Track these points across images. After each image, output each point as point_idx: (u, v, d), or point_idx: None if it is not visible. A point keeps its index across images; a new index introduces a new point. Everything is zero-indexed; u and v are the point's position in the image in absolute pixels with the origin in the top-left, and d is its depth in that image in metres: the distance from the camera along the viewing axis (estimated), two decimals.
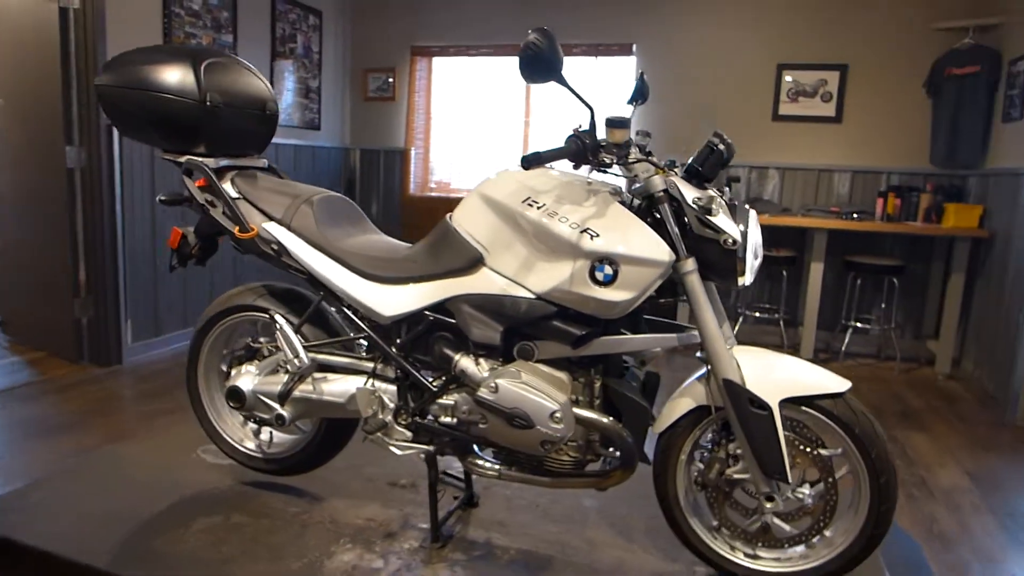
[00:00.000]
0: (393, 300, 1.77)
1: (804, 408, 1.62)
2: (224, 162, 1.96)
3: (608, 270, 1.55)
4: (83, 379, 3.37)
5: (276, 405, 1.88)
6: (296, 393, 1.87)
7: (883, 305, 4.39)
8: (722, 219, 1.58)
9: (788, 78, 4.45)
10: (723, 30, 4.52)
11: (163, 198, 1.96)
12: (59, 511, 1.95)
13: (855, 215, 4.17)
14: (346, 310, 1.87)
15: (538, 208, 1.62)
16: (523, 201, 1.64)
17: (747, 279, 1.62)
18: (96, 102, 1.89)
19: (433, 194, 5.28)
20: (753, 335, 4.64)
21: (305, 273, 1.86)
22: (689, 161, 1.65)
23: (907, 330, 4.45)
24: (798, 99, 4.45)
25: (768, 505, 1.64)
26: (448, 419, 1.78)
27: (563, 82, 1.55)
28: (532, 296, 1.63)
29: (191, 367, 2.10)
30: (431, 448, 1.79)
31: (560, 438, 1.57)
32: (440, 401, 1.77)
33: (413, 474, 2.27)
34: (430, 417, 1.80)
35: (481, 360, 1.68)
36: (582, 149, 1.57)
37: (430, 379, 1.79)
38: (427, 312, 1.76)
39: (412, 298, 1.76)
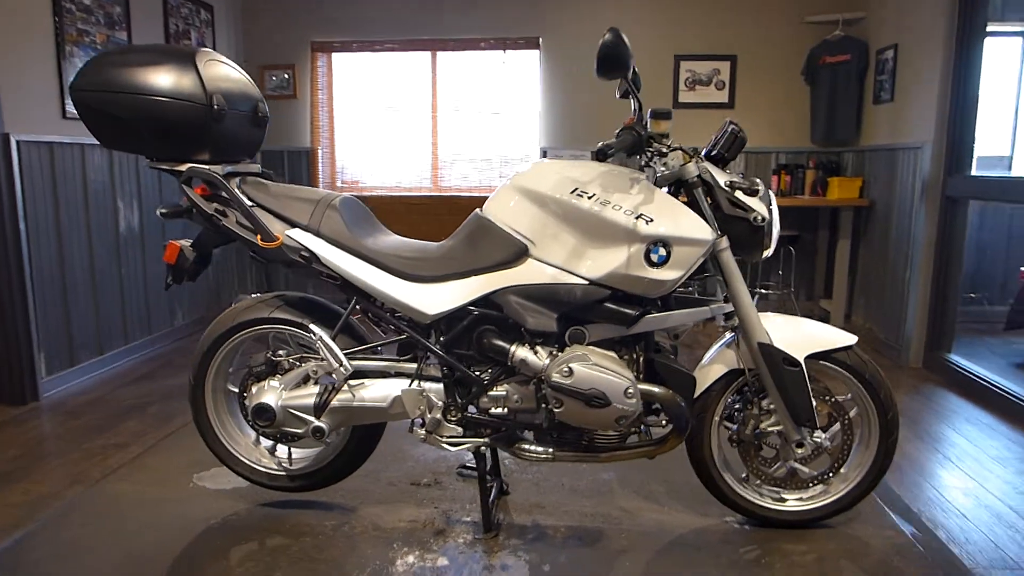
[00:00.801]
0: (436, 298, 1.77)
1: (822, 361, 1.82)
2: (228, 168, 1.85)
3: (662, 252, 1.66)
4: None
5: (311, 418, 1.82)
6: (334, 403, 1.82)
7: (780, 271, 4.86)
8: (752, 199, 1.74)
9: (685, 68, 4.78)
10: (624, 24, 4.77)
11: (164, 211, 1.81)
12: (70, 562, 1.76)
13: None
14: (378, 313, 1.84)
15: (589, 198, 1.69)
16: (572, 192, 1.71)
17: (769, 252, 1.79)
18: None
19: (345, 194, 5.13)
20: None
21: (337, 279, 1.81)
22: (715, 148, 1.79)
23: (803, 292, 4.96)
24: (695, 87, 4.80)
25: (799, 451, 1.83)
26: (499, 410, 1.81)
27: (627, 78, 1.64)
28: (585, 282, 1.71)
29: (197, 390, 1.96)
30: (486, 440, 1.82)
31: (633, 412, 1.66)
32: (490, 393, 1.80)
33: (430, 472, 2.27)
34: (479, 410, 1.82)
35: (538, 348, 1.73)
36: (639, 140, 1.66)
37: (477, 373, 1.81)
38: (471, 307, 1.78)
39: (455, 295, 1.78)
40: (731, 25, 4.70)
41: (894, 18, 4.06)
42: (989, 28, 3.46)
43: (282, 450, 2.04)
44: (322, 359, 1.84)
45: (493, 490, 2.07)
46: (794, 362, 1.76)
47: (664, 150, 1.76)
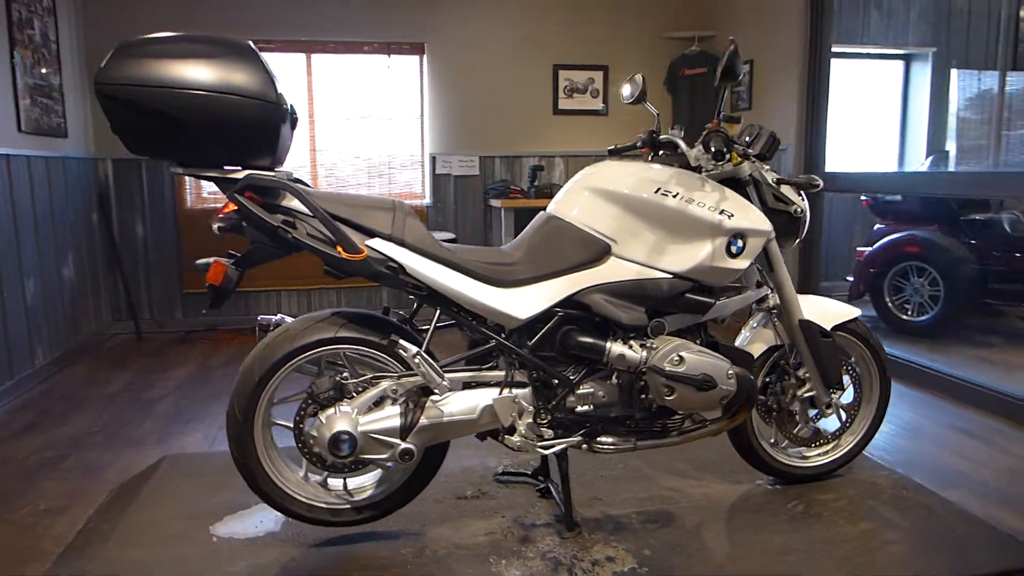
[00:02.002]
0: (525, 302, 1.76)
1: (839, 331, 2.10)
2: (284, 174, 1.67)
3: (740, 243, 1.81)
4: None
5: (396, 440, 1.71)
6: (423, 421, 1.72)
7: None
8: (793, 194, 1.96)
9: (564, 77, 5.04)
10: (506, 33, 4.90)
11: (221, 225, 1.59)
12: None
13: None
14: (464, 322, 1.77)
15: (674, 197, 1.79)
16: (656, 192, 1.79)
17: (800, 239, 2.03)
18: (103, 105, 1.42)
19: (220, 205, 4.66)
20: None
21: (424, 289, 1.71)
22: (757, 149, 1.98)
23: None
24: (573, 95, 5.08)
25: (828, 411, 2.10)
26: (585, 407, 1.84)
27: (730, 86, 1.76)
28: (670, 276, 1.81)
29: (245, 428, 1.73)
30: (579, 439, 1.83)
31: (732, 392, 1.79)
32: (578, 392, 1.83)
33: (469, 484, 2.21)
34: (566, 410, 1.84)
35: (631, 342, 1.79)
36: (729, 141, 1.79)
37: (564, 373, 1.82)
38: (556, 308, 1.79)
39: (542, 297, 1.78)
40: (603, 37, 5.05)
41: (748, 37, 4.65)
42: (835, 49, 4.13)
43: (333, 482, 1.87)
44: (398, 377, 1.74)
45: (550, 490, 2.09)
46: (827, 334, 2.02)
47: (748, 151, 1.91)
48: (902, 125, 5.91)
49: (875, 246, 4.71)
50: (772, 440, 2.16)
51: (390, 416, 1.72)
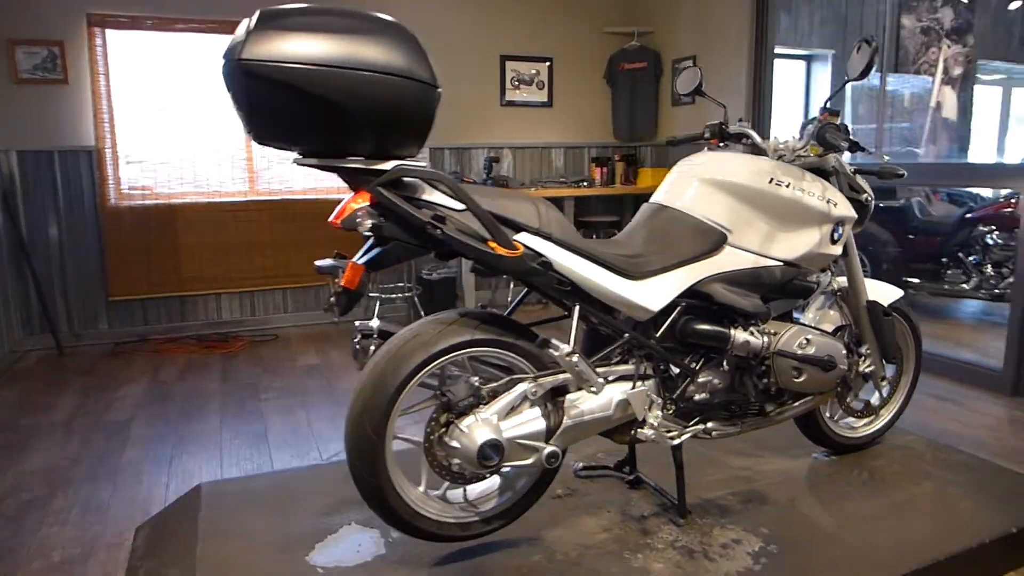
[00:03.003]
0: (655, 293, 1.75)
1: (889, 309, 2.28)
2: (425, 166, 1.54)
3: (840, 230, 1.91)
4: None
5: (542, 444, 1.64)
6: (565, 422, 1.67)
7: None
8: (864, 183, 2.09)
9: (511, 68, 5.01)
10: (455, 20, 4.79)
11: (373, 222, 1.43)
12: None
13: (583, 183, 5.05)
14: (601, 317, 1.73)
15: (787, 187, 1.85)
16: (770, 182, 1.84)
17: (864, 224, 2.17)
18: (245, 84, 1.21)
19: (149, 202, 4.17)
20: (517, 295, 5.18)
21: (568, 285, 1.65)
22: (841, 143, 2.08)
23: None
24: (520, 87, 5.06)
25: (884, 384, 2.26)
26: (702, 396, 1.87)
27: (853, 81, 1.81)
28: (781, 263, 1.87)
29: (376, 447, 1.58)
30: (704, 427, 1.85)
31: (846, 370, 1.88)
32: (698, 381, 1.85)
33: (555, 483, 2.15)
34: (685, 399, 1.85)
35: (752, 328, 1.83)
36: (845, 131, 1.86)
37: (685, 363, 1.83)
38: (679, 299, 1.79)
39: (669, 288, 1.78)
40: (547, 29, 5.07)
41: (690, 34, 4.87)
42: (778, 51, 4.42)
43: (455, 493, 1.76)
44: (535, 377, 1.67)
45: (640, 480, 2.09)
46: (888, 312, 2.18)
47: (843, 144, 1.99)
48: (804, 119, 6.48)
49: None
50: (828, 414, 2.30)
51: (533, 419, 1.65)
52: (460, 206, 1.55)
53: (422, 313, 4.50)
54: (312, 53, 1.31)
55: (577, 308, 1.70)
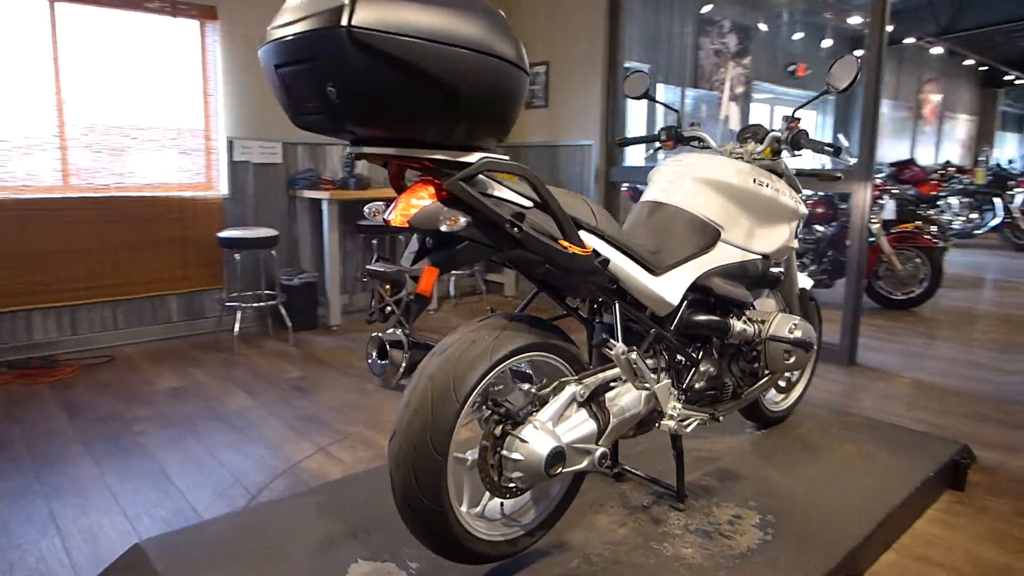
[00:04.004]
0: (673, 287, 1.82)
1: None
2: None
3: (800, 225, 2.12)
4: None
5: (594, 446, 1.62)
6: (612, 421, 1.66)
7: None
8: (798, 183, 2.34)
9: None
10: None
11: (451, 219, 1.29)
12: None
13: None
14: (634, 314, 1.72)
15: (766, 187, 2.01)
16: (754, 182, 1.99)
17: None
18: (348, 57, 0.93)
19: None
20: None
21: (614, 283, 1.63)
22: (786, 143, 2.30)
23: (481, 269, 5.62)
24: None
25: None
26: (702, 384, 1.97)
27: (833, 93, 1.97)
28: (760, 256, 2.03)
29: (443, 466, 1.43)
30: (711, 413, 1.94)
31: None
32: (700, 370, 1.94)
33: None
34: (688, 389, 1.93)
35: (744, 317, 1.96)
36: (809, 139, 2.04)
37: (691, 353, 1.91)
38: (686, 293, 1.87)
39: (682, 282, 1.85)
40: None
41: (542, 41, 5.03)
42: (626, 64, 4.75)
43: (493, 508, 1.66)
44: (580, 379, 1.63)
45: (623, 473, 2.14)
46: (813, 298, 2.47)
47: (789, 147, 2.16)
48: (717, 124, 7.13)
49: None
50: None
51: (584, 422, 1.61)
52: (527, 203, 1.46)
53: (288, 323, 4.12)
54: (428, 26, 1.16)
55: (617, 305, 1.70)
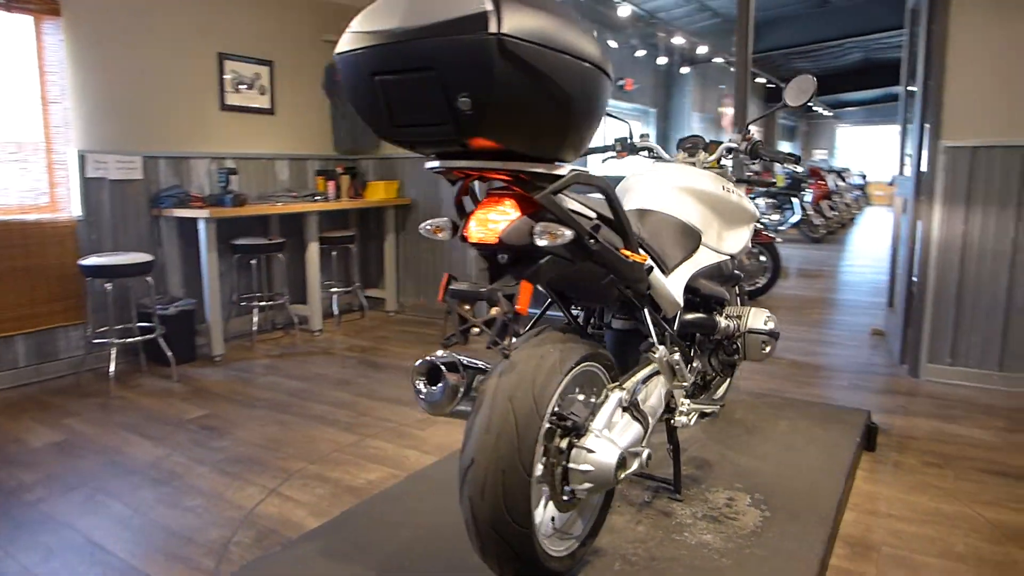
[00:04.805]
0: (679, 288, 1.91)
1: None
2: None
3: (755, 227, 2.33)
4: None
5: (643, 447, 1.67)
6: (650, 421, 1.72)
7: (339, 268, 5.15)
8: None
9: (230, 68, 4.37)
10: (162, 8, 3.98)
11: (568, 234, 1.27)
12: None
13: (317, 197, 4.72)
14: (656, 317, 1.78)
15: (733, 193, 2.18)
16: (723, 189, 2.15)
17: None
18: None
19: None
20: (269, 317, 4.52)
21: (649, 287, 1.68)
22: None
23: (354, 283, 5.37)
24: (239, 89, 4.46)
25: None
26: (693, 379, 2.09)
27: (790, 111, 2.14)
28: (729, 257, 2.20)
29: (530, 487, 1.39)
30: (709, 407, 2.06)
31: None
32: (692, 365, 2.06)
33: None
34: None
35: (725, 314, 2.11)
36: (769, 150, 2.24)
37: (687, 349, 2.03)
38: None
39: (682, 283, 1.95)
40: (267, 30, 4.61)
41: None
42: None
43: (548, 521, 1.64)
44: (620, 385, 1.68)
45: None
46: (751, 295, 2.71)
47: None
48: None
49: None
50: None
51: (631, 425, 1.65)
52: (592, 214, 1.47)
53: (170, 357, 3.68)
54: (555, 35, 1.14)
55: (647, 309, 1.76)
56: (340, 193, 4.97)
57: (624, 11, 8.46)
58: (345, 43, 1.21)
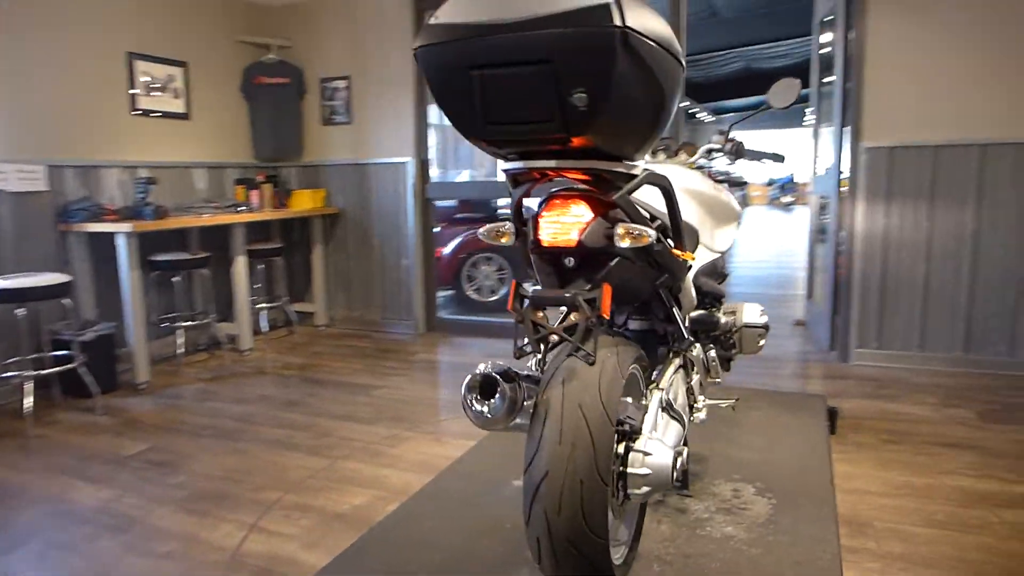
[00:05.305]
0: (691, 287, 1.93)
1: None
2: None
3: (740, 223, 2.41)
4: None
5: (683, 447, 1.68)
6: (686, 420, 1.73)
7: (260, 284, 4.83)
8: None
9: (141, 70, 4.01)
10: (63, 1, 3.58)
11: (653, 234, 1.24)
12: None
13: (241, 208, 4.43)
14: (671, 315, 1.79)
15: (723, 193, 2.24)
16: (714, 188, 2.20)
17: None
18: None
19: None
20: (193, 338, 4.15)
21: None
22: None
23: (281, 297, 5.05)
24: (151, 93, 4.10)
25: None
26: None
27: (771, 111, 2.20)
28: (719, 254, 2.26)
29: (606, 496, 1.35)
30: (733, 400, 2.10)
31: None
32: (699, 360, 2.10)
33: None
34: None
35: (722, 310, 2.16)
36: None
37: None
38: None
39: (691, 281, 1.97)
40: (180, 28, 4.29)
41: (342, 53, 4.76)
42: None
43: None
44: (657, 385, 1.68)
45: None
46: None
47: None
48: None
49: (453, 245, 5.61)
50: None
51: (671, 424, 1.65)
52: (647, 214, 1.46)
53: (94, 388, 3.32)
54: (660, 32, 1.11)
55: (677, 308, 1.77)
56: (263, 203, 4.69)
57: None
58: (433, 35, 1.13)
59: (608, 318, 1.30)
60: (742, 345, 2.25)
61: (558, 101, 1.07)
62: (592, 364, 1.32)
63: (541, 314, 1.31)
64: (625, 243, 1.27)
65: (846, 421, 3.04)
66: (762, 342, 2.28)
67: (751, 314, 2.25)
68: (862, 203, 3.69)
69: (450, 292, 5.65)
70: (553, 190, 1.36)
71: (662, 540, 1.88)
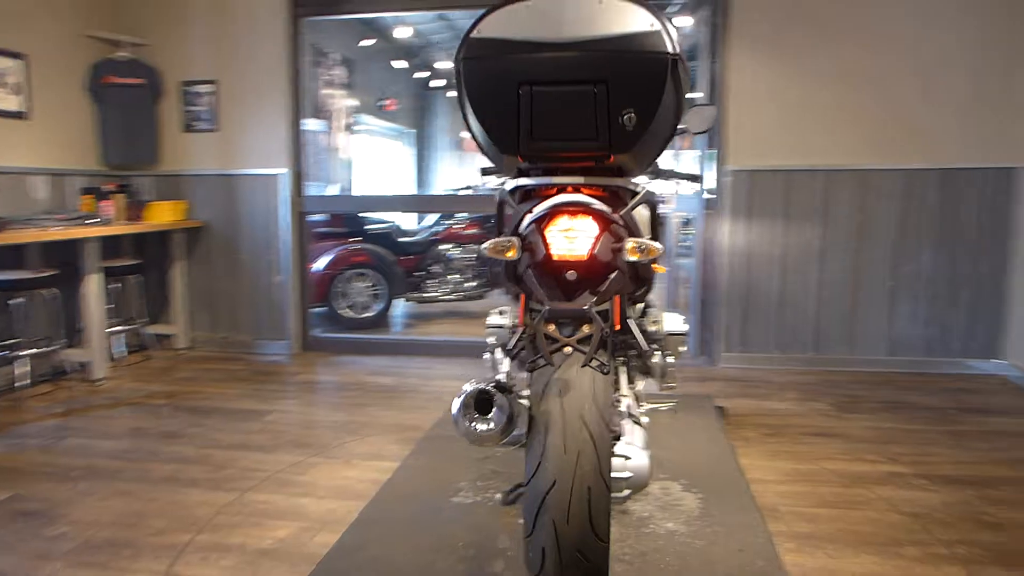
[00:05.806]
0: None
1: None
2: None
3: None
4: None
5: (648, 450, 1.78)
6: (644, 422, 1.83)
7: (115, 305, 4.32)
8: None
9: None
10: None
11: (660, 248, 1.31)
12: None
13: (90, 221, 3.96)
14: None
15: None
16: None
17: None
18: None
19: None
20: (35, 367, 3.57)
21: None
22: None
23: (147, 319, 4.53)
24: None
25: None
26: None
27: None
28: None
29: (610, 502, 1.39)
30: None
31: None
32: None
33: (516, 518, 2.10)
34: None
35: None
36: None
37: None
38: None
39: None
40: (21, 15, 3.77)
41: (207, 55, 4.43)
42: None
43: None
44: (628, 393, 1.76)
45: None
46: None
47: None
48: None
49: (325, 260, 5.39)
50: None
51: (636, 429, 1.73)
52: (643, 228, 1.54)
53: None
54: (685, 59, 1.18)
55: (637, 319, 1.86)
56: (117, 215, 4.23)
57: (403, 32, 8.54)
58: (481, 49, 1.12)
59: (619, 329, 1.35)
60: (666, 351, 2.41)
61: (607, 120, 1.12)
62: (606, 374, 1.37)
63: (553, 327, 1.34)
64: (634, 257, 1.33)
65: (729, 418, 3.33)
66: (683, 348, 2.45)
67: (674, 322, 2.42)
68: (727, 221, 4.08)
69: (322, 309, 5.43)
70: (552, 204, 1.39)
71: (615, 541, 1.97)
